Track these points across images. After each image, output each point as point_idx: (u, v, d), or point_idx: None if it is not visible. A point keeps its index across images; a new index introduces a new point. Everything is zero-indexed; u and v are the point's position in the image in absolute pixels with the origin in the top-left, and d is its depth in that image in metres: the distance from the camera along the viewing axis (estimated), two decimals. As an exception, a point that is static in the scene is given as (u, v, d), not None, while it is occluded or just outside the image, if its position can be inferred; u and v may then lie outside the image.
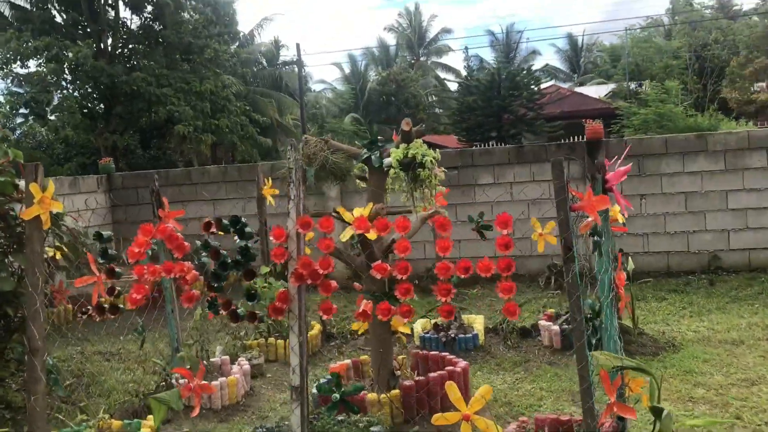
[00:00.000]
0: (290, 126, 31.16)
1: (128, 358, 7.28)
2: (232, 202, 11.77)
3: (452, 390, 3.73)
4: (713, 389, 5.61)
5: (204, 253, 4.04)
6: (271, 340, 7.27)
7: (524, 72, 29.88)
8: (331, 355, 7.29)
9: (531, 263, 9.92)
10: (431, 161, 4.94)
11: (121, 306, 4.30)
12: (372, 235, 4.03)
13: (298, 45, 31.03)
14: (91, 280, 4.21)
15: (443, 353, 6.08)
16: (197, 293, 4.08)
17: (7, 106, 21.04)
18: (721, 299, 8.65)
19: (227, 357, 6.45)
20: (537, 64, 43.44)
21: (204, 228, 4.00)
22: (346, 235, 4.19)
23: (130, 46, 23.27)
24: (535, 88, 28.41)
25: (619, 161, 4.01)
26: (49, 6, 22.10)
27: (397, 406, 5.08)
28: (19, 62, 20.57)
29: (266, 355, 7.10)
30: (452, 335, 7.05)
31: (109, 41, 22.55)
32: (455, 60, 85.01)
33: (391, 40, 50.30)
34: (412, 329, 6.86)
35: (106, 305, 4.31)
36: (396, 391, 5.16)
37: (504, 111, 27.49)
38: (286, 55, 38.53)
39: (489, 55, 46.78)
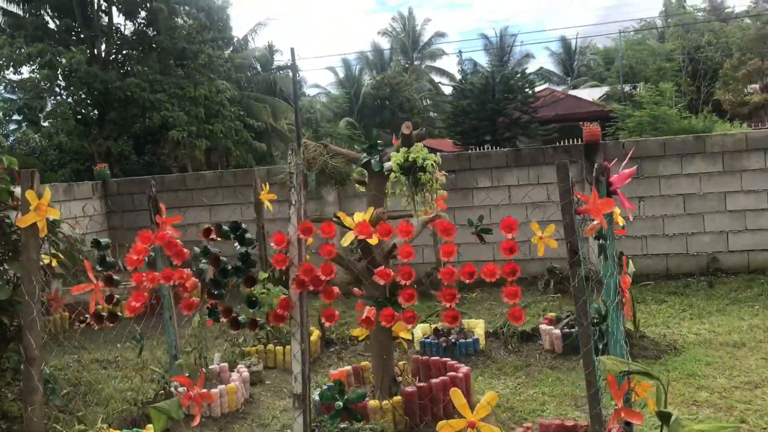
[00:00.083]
0: (285, 131, 31.12)
1: (126, 366, 7.21)
2: (229, 208, 11.70)
3: (457, 396, 3.68)
4: (717, 392, 5.56)
5: (204, 260, 3.98)
6: (270, 346, 7.21)
7: (518, 75, 29.95)
8: (331, 361, 7.23)
9: (530, 266, 9.88)
10: (432, 165, 4.90)
11: (120, 314, 4.23)
12: (373, 240, 3.98)
13: (292, 49, 30.93)
14: (88, 287, 4.15)
15: (444, 358, 6.03)
16: (197, 300, 4.02)
17: (0, 113, 20.93)
18: (720, 301, 8.62)
19: (226, 364, 6.38)
20: (531, 68, 43.59)
21: (204, 234, 3.94)
22: (347, 240, 4.14)
23: (124, 51, 23.19)
24: (530, 92, 28.49)
25: (624, 163, 3.97)
26: (42, 12, 22.01)
27: (400, 412, 5.02)
28: (12, 69, 20.45)
29: (265, 362, 7.04)
30: (453, 340, 7.00)
31: (103, 47, 22.46)
32: (449, 64, 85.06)
33: (385, 44, 50.42)
34: (412, 334, 6.80)
35: (104, 313, 4.24)
36: (398, 398, 5.11)
37: (498, 114, 27.54)
38: (280, 59, 38.49)
39: (483, 59, 46.80)
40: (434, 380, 5.34)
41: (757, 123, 29.25)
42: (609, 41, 45.17)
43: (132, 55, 22.82)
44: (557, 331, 6.89)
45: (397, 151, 5.06)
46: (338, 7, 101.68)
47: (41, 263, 4.50)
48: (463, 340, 7.01)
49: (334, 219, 4.30)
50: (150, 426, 4.58)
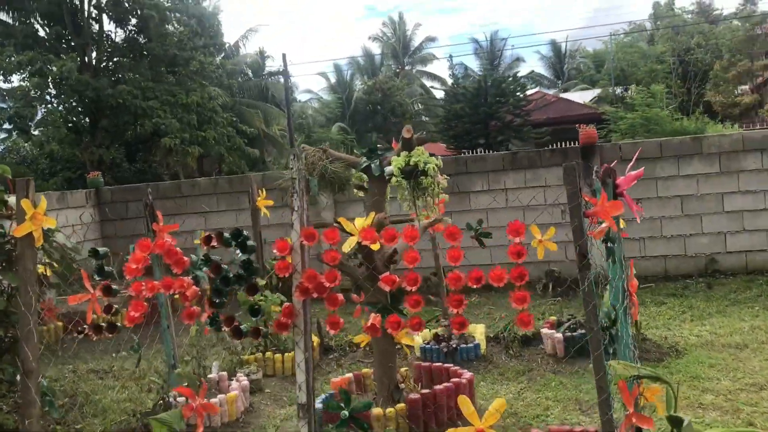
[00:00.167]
0: (277, 136, 30.99)
1: (122, 375, 7.10)
2: (224, 215, 11.62)
3: (465, 404, 3.60)
4: (722, 395, 5.51)
5: (204, 268, 3.90)
6: (269, 354, 7.12)
7: (510, 79, 29.97)
8: (330, 368, 7.15)
9: (528, 269, 9.80)
10: (434, 168, 4.84)
11: (119, 324, 4.15)
12: (375, 246, 3.92)
13: (284, 55, 30.78)
14: (85, 297, 4.07)
15: (447, 364, 5.95)
16: (198, 309, 3.94)
17: (-9, 122, 20.78)
18: (720, 302, 8.59)
19: (224, 373, 6.30)
20: (521, 71, 43.59)
21: (204, 242, 3.86)
22: (349, 245, 4.07)
23: (115, 59, 23.03)
24: (521, 95, 28.50)
25: (630, 165, 3.92)
26: (32, 20, 21.84)
27: (405, 420, 4.94)
28: (1, 77, 20.31)
29: (264, 370, 6.95)
30: (454, 345, 6.93)
31: (94, 55, 22.31)
32: (440, 68, 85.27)
33: (376, 49, 50.36)
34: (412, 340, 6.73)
35: (102, 324, 4.16)
36: (402, 405, 5.03)
37: (491, 118, 27.56)
38: (272, 65, 38.36)
39: (473, 63, 46.86)
40: (438, 387, 5.26)
41: (748, 124, 29.33)
42: (599, 44, 45.32)
43: (123, 63, 22.68)
44: (559, 335, 6.83)
45: (398, 155, 5.00)
46: (329, 14, 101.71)
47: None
48: (464, 346, 6.95)
49: (335, 224, 4.23)
50: (150, 438, 4.50)
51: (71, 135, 21.21)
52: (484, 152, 23.36)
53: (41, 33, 22.05)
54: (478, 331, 7.36)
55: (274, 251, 3.69)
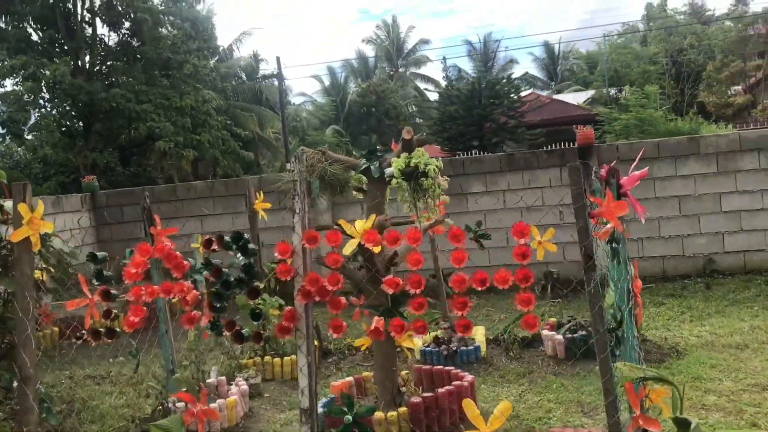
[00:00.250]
0: (271, 139, 30.95)
1: (120, 381, 7.03)
2: (222, 218, 11.56)
3: (470, 407, 3.56)
4: (724, 396, 5.48)
5: (205, 272, 3.85)
6: (268, 358, 7.05)
7: (504, 81, 30.00)
8: (329, 372, 7.09)
9: (526, 271, 9.78)
10: (434, 170, 4.80)
11: (118, 330, 4.10)
12: (376, 248, 3.88)
13: (278, 58, 30.89)
14: (83, 302, 4.02)
15: (448, 367, 5.91)
16: (198, 314, 3.89)
17: (-17, 127, 20.68)
18: (719, 303, 8.57)
19: (223, 377, 6.23)
20: (515, 73, 43.71)
21: (205, 245, 3.81)
22: (350, 248, 4.02)
23: (109, 62, 22.98)
24: (515, 97, 28.52)
25: (633, 164, 3.89)
26: (25, 24, 21.77)
27: (407, 424, 4.90)
28: (-5, 82, 20.28)
29: (263, 374, 6.89)
30: (454, 348, 6.89)
31: (87, 58, 22.25)
32: (434, 70, 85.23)
33: (369, 52, 50.36)
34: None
35: (101, 329, 4.10)
36: (404, 409, 4.99)
37: (485, 120, 27.56)
38: (266, 68, 38.34)
39: (467, 65, 46.92)
40: (440, 390, 5.22)
41: (741, 124, 29.40)
42: (592, 46, 45.44)
43: (117, 66, 22.62)
44: (559, 337, 6.80)
45: (398, 156, 4.95)
46: (322, 17, 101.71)
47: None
48: (464, 348, 6.90)
49: (335, 227, 4.19)
50: (149, 444, 4.44)
51: (65, 139, 21.14)
52: (479, 154, 23.34)
53: (34, 37, 21.99)
54: (479, 334, 7.32)
55: (274, 254, 3.65)
